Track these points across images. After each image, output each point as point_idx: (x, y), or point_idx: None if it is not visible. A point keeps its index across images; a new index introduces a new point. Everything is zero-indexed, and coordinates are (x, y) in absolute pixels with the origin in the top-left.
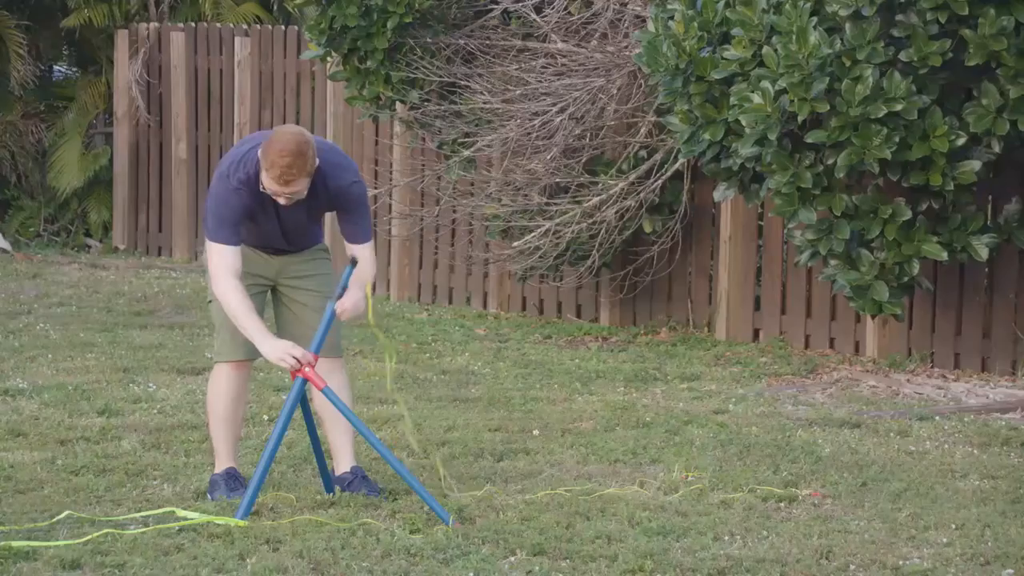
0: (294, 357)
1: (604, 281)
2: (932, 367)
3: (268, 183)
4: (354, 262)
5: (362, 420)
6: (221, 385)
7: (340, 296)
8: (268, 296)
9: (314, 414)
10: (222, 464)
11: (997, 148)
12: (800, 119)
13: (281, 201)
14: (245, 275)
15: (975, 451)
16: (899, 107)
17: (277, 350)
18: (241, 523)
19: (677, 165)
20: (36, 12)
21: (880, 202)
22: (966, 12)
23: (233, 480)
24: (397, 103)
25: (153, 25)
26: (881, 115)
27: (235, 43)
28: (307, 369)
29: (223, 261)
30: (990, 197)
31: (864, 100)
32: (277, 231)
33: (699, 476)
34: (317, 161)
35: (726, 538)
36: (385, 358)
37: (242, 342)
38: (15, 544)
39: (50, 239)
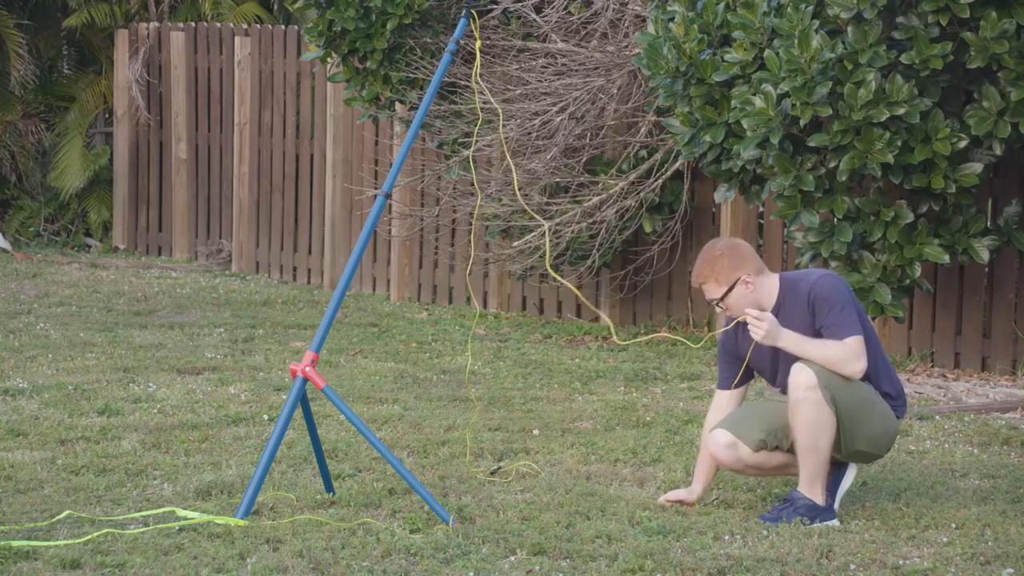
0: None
1: (604, 281)
2: (932, 366)
3: None
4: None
5: (362, 420)
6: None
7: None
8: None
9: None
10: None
11: (998, 150)
12: (802, 123)
13: (717, 309)
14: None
15: (975, 450)
16: (901, 111)
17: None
18: (241, 523)
19: (677, 165)
20: (36, 12)
21: (882, 205)
22: (967, 15)
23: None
24: (396, 103)
25: (153, 25)
26: (884, 119)
27: (235, 43)
28: (308, 369)
29: (712, 403)
30: (990, 199)
31: (867, 104)
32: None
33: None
34: (737, 273)
35: (726, 537)
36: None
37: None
38: (15, 544)
39: (50, 239)
